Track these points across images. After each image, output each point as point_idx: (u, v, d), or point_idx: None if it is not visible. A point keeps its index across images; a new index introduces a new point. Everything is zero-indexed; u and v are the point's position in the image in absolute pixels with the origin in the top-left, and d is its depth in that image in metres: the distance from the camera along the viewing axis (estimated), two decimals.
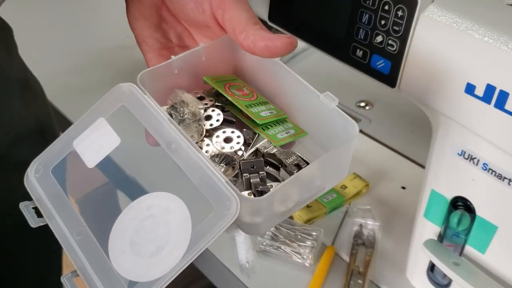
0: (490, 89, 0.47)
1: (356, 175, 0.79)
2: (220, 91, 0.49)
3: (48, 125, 0.76)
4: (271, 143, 0.47)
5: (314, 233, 0.69)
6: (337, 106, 0.46)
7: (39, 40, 1.13)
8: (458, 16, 0.49)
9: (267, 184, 0.45)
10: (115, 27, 1.17)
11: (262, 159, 0.46)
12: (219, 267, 0.68)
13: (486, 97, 0.48)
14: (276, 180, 0.46)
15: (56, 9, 1.29)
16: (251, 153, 0.47)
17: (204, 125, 0.48)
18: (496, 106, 0.47)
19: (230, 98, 0.48)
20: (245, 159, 0.46)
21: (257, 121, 0.47)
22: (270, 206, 0.41)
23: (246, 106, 0.48)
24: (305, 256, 0.67)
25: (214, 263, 0.68)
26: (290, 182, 0.41)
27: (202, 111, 0.48)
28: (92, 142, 0.41)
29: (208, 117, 0.49)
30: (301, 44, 1.07)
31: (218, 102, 0.51)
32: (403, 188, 0.81)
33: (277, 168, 0.47)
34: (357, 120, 0.96)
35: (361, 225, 0.72)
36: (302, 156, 0.47)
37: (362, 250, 0.69)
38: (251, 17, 0.47)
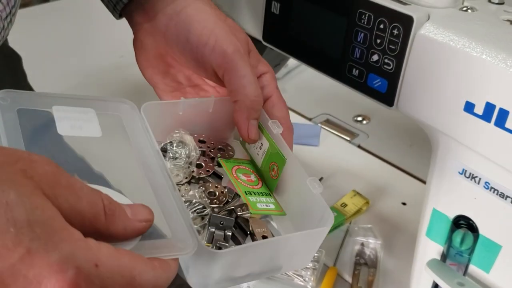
0: (489, 107, 0.47)
1: (356, 192, 0.78)
2: (226, 170, 0.49)
3: None
4: (248, 208, 0.45)
5: (315, 254, 0.68)
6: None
7: (37, 63, 1.13)
8: (454, 34, 0.48)
9: (228, 244, 0.43)
10: (109, 47, 1.16)
11: (232, 218, 0.44)
12: None
13: (486, 116, 0.47)
14: (238, 244, 0.44)
15: (48, 30, 1.28)
16: (226, 210, 0.46)
17: (193, 171, 0.47)
18: (496, 124, 0.47)
19: (231, 180, 0.48)
20: (217, 214, 0.44)
21: (251, 211, 0.46)
22: (220, 264, 0.39)
23: (245, 192, 0.48)
24: (307, 279, 0.66)
25: None
26: (248, 248, 0.40)
27: (197, 156, 0.48)
28: (73, 118, 0.39)
29: (199, 166, 0.48)
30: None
31: (217, 157, 0.50)
32: (404, 204, 0.80)
33: (245, 234, 0.45)
34: (354, 135, 0.95)
35: (362, 244, 0.71)
36: (272, 232, 0.46)
37: (364, 270, 0.68)
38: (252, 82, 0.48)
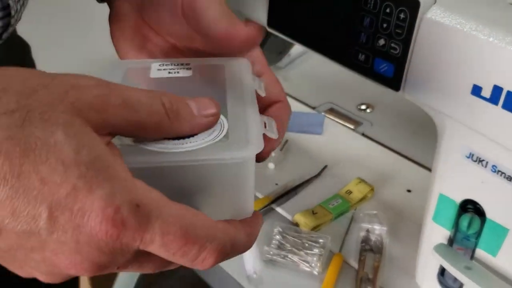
0: (497, 90, 0.47)
1: (361, 180, 0.78)
2: None
3: None
4: None
5: (321, 241, 0.68)
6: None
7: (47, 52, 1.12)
8: (461, 17, 0.48)
9: None
10: None
11: None
12: (226, 279, 0.67)
13: (494, 98, 0.47)
14: None
15: (58, 19, 1.28)
16: None
17: None
18: (504, 107, 0.47)
19: None
20: None
21: None
22: None
23: None
24: (313, 264, 0.66)
25: (221, 274, 0.67)
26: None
27: None
28: (170, 68, 0.43)
29: None
30: (299, 48, 1.07)
31: None
32: (409, 191, 0.80)
33: None
34: (358, 123, 0.95)
35: (368, 231, 0.72)
36: None
37: (370, 256, 0.68)
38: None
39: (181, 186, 0.35)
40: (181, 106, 0.33)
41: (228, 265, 0.67)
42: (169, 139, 0.34)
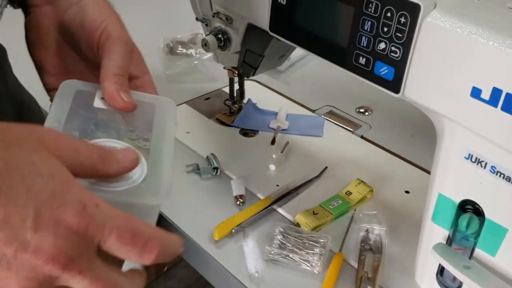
0: (496, 92, 0.48)
1: (361, 181, 0.79)
2: None
3: None
4: None
5: (321, 240, 0.69)
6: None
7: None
8: (461, 21, 0.49)
9: None
10: None
11: None
12: (227, 278, 0.68)
13: (493, 101, 0.48)
14: None
15: None
16: None
17: None
18: (503, 109, 0.48)
19: None
20: None
21: None
22: None
23: None
24: (313, 264, 0.67)
25: (222, 273, 0.68)
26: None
27: None
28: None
29: None
30: (299, 52, 1.08)
31: None
32: (407, 192, 0.81)
33: None
34: (357, 126, 0.96)
35: (367, 231, 0.73)
36: None
37: (370, 256, 0.69)
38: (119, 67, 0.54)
39: None
40: (110, 154, 0.44)
41: (230, 264, 0.68)
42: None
